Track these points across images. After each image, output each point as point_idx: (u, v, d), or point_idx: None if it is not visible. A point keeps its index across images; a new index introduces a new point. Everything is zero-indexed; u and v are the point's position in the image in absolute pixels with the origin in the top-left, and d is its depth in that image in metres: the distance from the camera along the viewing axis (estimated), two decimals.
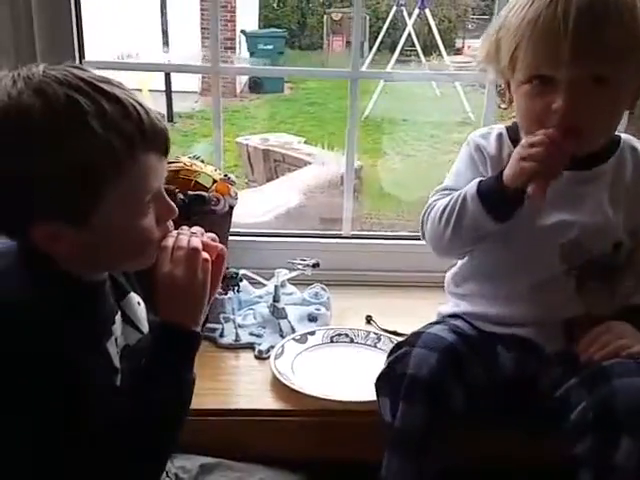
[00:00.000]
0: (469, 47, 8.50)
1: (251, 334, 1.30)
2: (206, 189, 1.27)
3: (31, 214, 0.76)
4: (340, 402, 1.09)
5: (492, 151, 1.04)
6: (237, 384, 1.21)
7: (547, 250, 1.00)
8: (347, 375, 1.19)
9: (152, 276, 0.87)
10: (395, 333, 1.31)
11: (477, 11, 8.57)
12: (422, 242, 1.53)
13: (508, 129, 1.07)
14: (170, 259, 0.85)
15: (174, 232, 0.89)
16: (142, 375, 0.85)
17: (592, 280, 1.01)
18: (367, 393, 1.07)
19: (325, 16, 9.67)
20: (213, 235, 0.92)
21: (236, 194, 1.31)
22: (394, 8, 7.16)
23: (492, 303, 1.05)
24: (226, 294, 1.33)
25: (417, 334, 1.00)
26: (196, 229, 0.92)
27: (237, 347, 1.27)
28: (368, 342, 1.28)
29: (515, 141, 1.02)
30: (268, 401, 1.13)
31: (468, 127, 6.57)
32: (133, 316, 0.93)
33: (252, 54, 7.92)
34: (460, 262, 1.13)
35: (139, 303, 0.96)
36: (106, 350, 0.85)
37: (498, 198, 0.95)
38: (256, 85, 7.68)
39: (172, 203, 0.87)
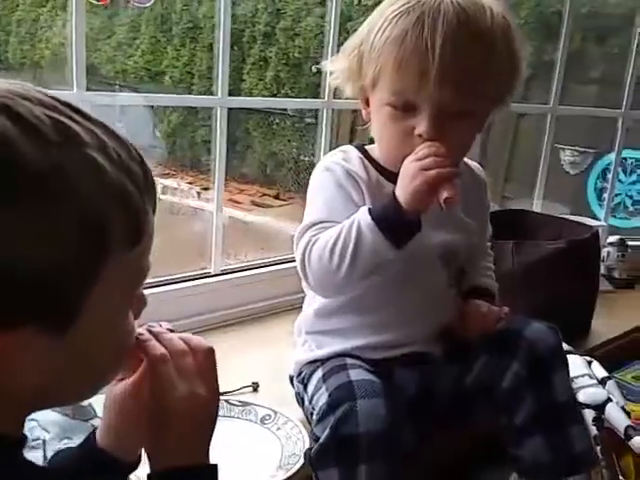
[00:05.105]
0: None
1: (59, 452, 0.89)
2: None
3: None
4: None
5: (363, 175, 0.97)
6: None
7: (432, 267, 1.00)
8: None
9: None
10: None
11: None
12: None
13: (361, 151, 1.00)
14: (177, 374, 0.57)
15: (142, 331, 0.58)
16: None
17: (461, 284, 1.07)
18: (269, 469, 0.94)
19: None
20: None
21: None
22: None
23: (379, 330, 1.00)
24: None
25: (345, 387, 0.88)
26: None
27: None
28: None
29: (373, 162, 0.99)
30: None
31: None
32: None
33: None
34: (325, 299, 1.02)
35: None
36: None
37: (398, 223, 0.88)
38: None
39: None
